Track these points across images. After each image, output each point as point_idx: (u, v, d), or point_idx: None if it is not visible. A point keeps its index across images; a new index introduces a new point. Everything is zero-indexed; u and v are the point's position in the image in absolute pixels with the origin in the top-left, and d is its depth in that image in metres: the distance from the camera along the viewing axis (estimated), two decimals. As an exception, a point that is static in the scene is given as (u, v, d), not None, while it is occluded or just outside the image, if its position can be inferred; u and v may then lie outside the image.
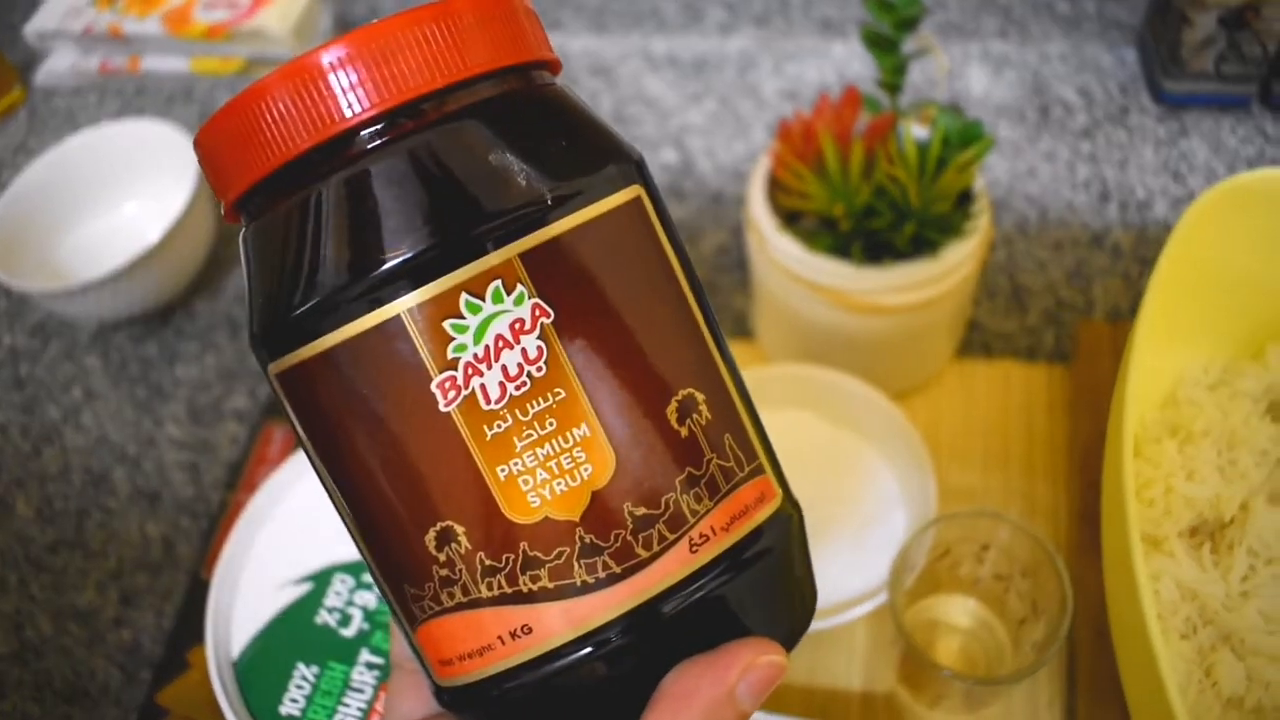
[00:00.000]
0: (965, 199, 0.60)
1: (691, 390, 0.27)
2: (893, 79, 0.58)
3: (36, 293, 0.73)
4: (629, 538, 0.26)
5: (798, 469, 0.63)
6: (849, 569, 0.58)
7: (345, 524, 0.28)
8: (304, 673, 0.42)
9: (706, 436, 0.27)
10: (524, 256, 0.25)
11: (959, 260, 0.57)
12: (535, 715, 0.27)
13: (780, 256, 0.59)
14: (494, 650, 0.26)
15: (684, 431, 0.26)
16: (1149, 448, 0.53)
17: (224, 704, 0.41)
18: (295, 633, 0.43)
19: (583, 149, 0.27)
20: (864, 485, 0.62)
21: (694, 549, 0.26)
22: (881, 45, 0.57)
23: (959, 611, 0.56)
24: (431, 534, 0.26)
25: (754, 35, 0.94)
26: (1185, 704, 0.46)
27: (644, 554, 0.26)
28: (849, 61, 0.90)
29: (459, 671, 0.27)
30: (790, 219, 0.61)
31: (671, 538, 0.26)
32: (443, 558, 0.26)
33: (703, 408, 0.27)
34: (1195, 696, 0.46)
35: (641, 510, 0.26)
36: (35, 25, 1.00)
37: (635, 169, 0.27)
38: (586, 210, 0.25)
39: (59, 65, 1.01)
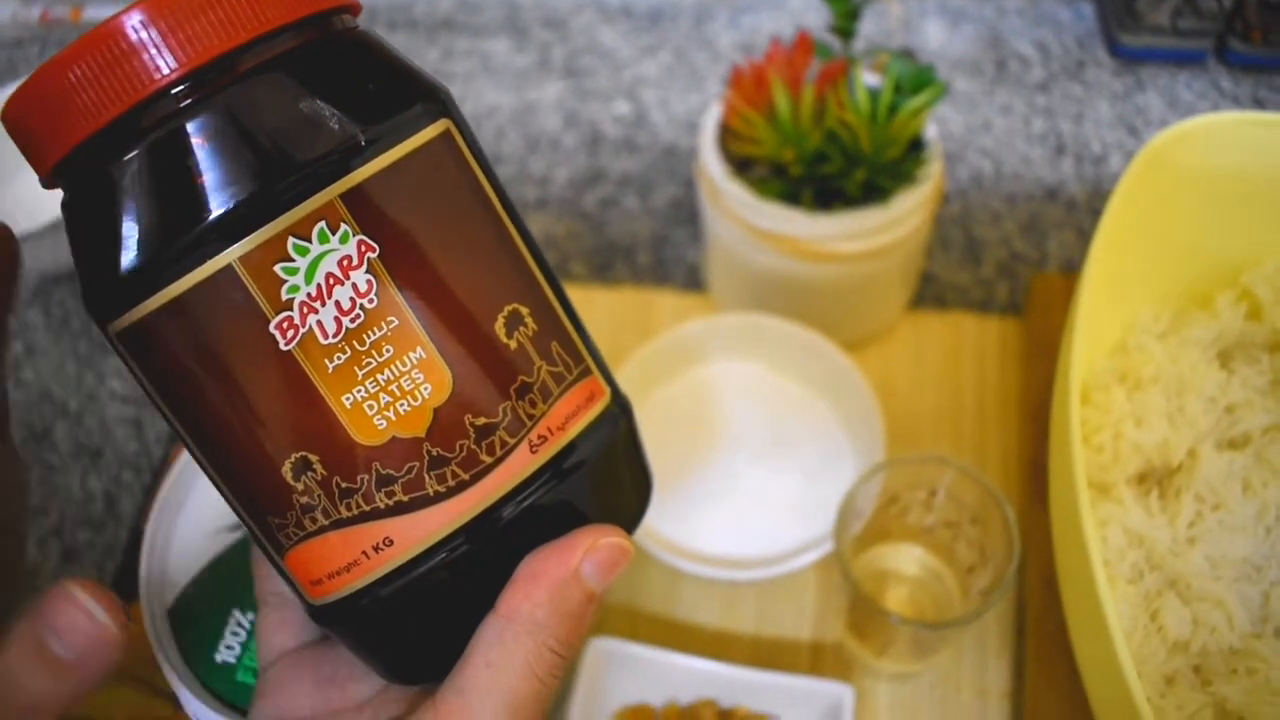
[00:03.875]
0: (917, 147, 0.59)
1: (516, 305, 0.28)
2: (845, 24, 0.57)
3: (-27, 244, 0.71)
4: (473, 446, 0.27)
5: (746, 418, 0.62)
6: (797, 518, 0.58)
7: (202, 467, 0.29)
8: (239, 619, 0.41)
9: (535, 346, 0.29)
10: (344, 196, 0.26)
11: (910, 208, 0.57)
12: (407, 617, 0.29)
13: (731, 204, 0.58)
14: (360, 565, 0.28)
15: (513, 344, 0.28)
16: (1098, 395, 0.53)
17: (158, 653, 0.40)
18: (230, 579, 0.42)
19: (390, 89, 0.28)
20: (813, 436, 0.61)
21: (534, 449, 0.28)
22: (833, -12, 0.56)
23: (907, 560, 0.56)
24: (287, 466, 0.27)
25: (710, -12, 0.93)
26: (1130, 648, 0.46)
27: (489, 459, 0.28)
28: (805, 14, 0.89)
29: (330, 589, 0.28)
30: (742, 167, 0.60)
31: (512, 442, 0.28)
32: (301, 487, 0.27)
33: (528, 320, 0.29)
34: (1141, 641, 0.46)
35: (482, 420, 0.28)
36: (-27, -27, 0.97)
37: (442, 104, 0.28)
38: (399, 147, 0.27)
39: (-2, 15, 0.98)
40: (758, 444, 0.62)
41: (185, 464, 0.46)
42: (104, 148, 0.26)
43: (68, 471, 0.68)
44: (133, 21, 0.25)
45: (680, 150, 0.80)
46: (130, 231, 0.26)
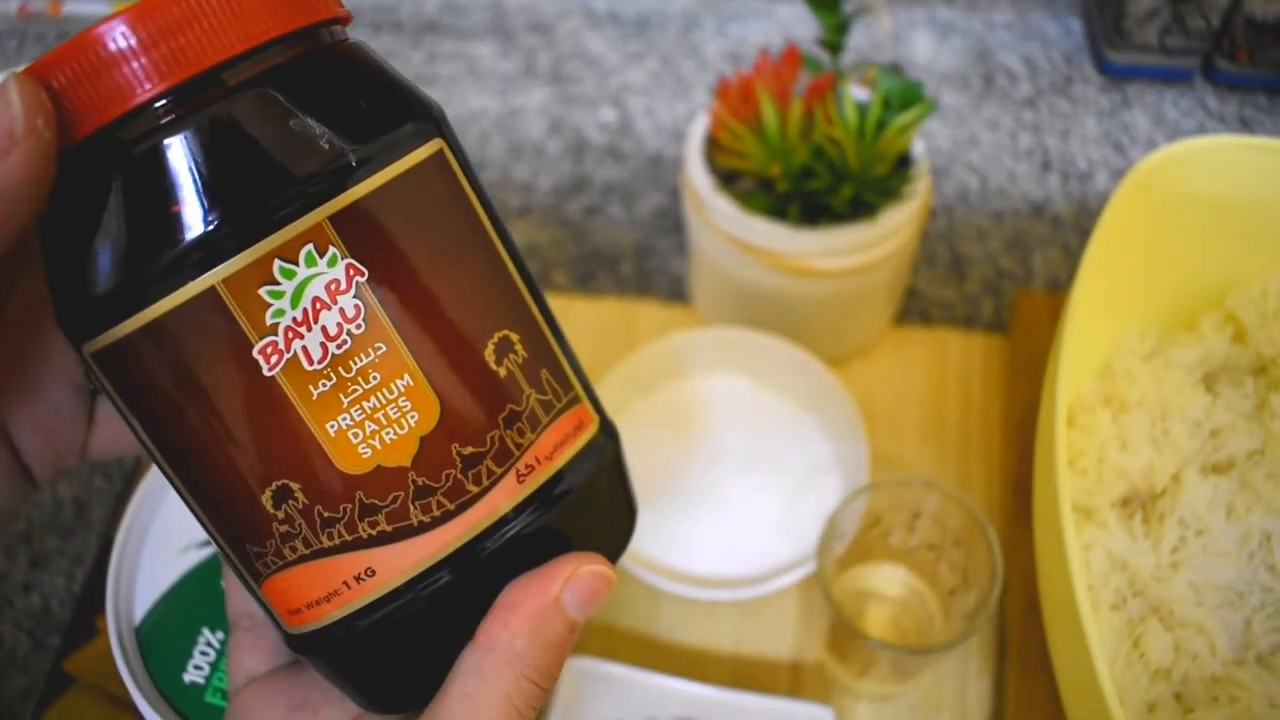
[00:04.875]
0: (905, 163, 0.59)
1: (507, 332, 0.28)
2: (834, 38, 0.57)
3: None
4: (459, 476, 0.27)
5: (729, 433, 0.62)
6: (780, 536, 0.57)
7: (178, 492, 0.28)
8: (209, 639, 0.40)
9: (524, 374, 0.28)
10: (333, 219, 0.25)
11: (897, 225, 0.56)
12: (387, 647, 0.28)
13: (716, 218, 0.58)
14: (341, 595, 0.27)
15: (502, 372, 0.28)
16: (1083, 417, 0.52)
17: (124, 672, 0.39)
18: (200, 597, 0.41)
19: (382, 107, 0.27)
20: (797, 452, 0.61)
21: (521, 479, 0.28)
22: (822, 2, 0.55)
23: (890, 581, 0.55)
24: (268, 494, 0.26)
25: (698, -5, 0.92)
26: (1113, 675, 0.45)
27: (475, 489, 0.27)
28: (794, 24, 0.88)
29: (308, 619, 0.28)
30: (728, 180, 0.59)
31: (499, 471, 0.27)
32: (281, 515, 0.26)
33: (518, 347, 0.28)
34: (1123, 668, 0.46)
35: (469, 449, 0.27)
36: (-50, -34, 0.96)
37: (434, 124, 0.27)
38: (391, 168, 0.26)
39: (-24, 8, 0.97)
40: (740, 459, 0.61)
41: (156, 475, 0.45)
42: (80, 162, 0.25)
43: (38, 476, 0.67)
44: (115, 32, 0.24)
45: (666, 159, 0.80)
46: (109, 250, 0.25)
